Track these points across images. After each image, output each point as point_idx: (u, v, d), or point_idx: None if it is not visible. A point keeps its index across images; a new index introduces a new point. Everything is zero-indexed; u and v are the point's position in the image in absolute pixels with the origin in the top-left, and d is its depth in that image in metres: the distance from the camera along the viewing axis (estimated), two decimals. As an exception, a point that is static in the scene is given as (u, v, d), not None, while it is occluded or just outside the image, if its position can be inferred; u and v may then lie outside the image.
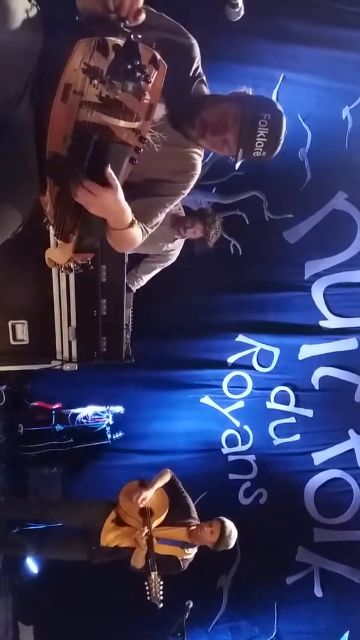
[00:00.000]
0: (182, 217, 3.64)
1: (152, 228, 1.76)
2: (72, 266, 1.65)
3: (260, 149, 1.63)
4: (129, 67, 1.21)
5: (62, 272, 1.87)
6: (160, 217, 1.79)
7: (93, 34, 1.28)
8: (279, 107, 1.68)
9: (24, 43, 1.32)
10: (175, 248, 3.68)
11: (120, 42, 1.25)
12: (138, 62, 1.22)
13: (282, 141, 1.67)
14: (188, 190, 1.84)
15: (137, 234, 1.64)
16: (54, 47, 1.34)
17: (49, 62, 1.35)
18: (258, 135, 1.61)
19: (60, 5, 1.44)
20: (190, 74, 1.71)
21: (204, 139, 1.71)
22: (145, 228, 1.71)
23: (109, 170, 1.32)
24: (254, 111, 1.62)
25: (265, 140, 1.62)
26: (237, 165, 1.70)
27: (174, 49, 1.59)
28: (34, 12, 1.34)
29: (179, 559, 3.24)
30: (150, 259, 3.65)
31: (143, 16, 1.31)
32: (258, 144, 1.62)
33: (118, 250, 1.94)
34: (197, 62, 1.71)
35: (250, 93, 1.74)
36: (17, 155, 1.45)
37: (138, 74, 1.23)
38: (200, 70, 1.74)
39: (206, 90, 1.76)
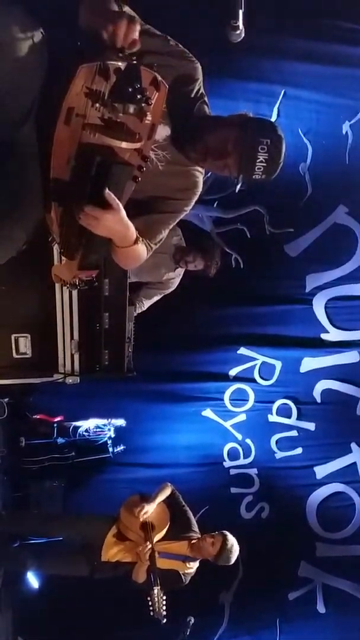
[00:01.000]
0: (183, 249, 3.72)
1: (156, 244, 1.79)
2: (77, 283, 1.67)
3: (260, 173, 1.69)
4: (129, 89, 1.24)
5: (67, 288, 1.89)
6: (164, 234, 1.82)
7: (94, 59, 1.31)
8: (279, 131, 1.73)
9: (29, 67, 1.35)
10: (176, 277, 3.77)
11: (122, 65, 1.28)
12: (139, 85, 1.25)
13: (281, 164, 1.72)
14: (190, 207, 1.88)
15: (142, 251, 1.67)
16: (57, 71, 1.37)
17: (53, 86, 1.38)
18: (258, 160, 1.65)
19: (63, 30, 1.47)
20: (192, 96, 1.74)
21: (205, 162, 1.76)
22: (149, 244, 1.74)
23: (108, 192, 1.35)
24: (254, 137, 1.66)
25: (264, 164, 1.67)
26: (238, 188, 1.74)
27: (176, 71, 1.63)
28: (38, 37, 1.37)
29: (181, 573, 3.22)
30: (151, 286, 3.72)
31: (138, 45, 1.33)
32: (258, 168, 1.67)
33: (123, 267, 1.97)
34: (200, 83, 1.75)
35: (251, 115, 1.78)
36: (22, 176, 1.48)
37: (139, 96, 1.26)
38: (202, 91, 1.77)
39: (208, 110, 1.80)
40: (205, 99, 1.80)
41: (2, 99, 1.36)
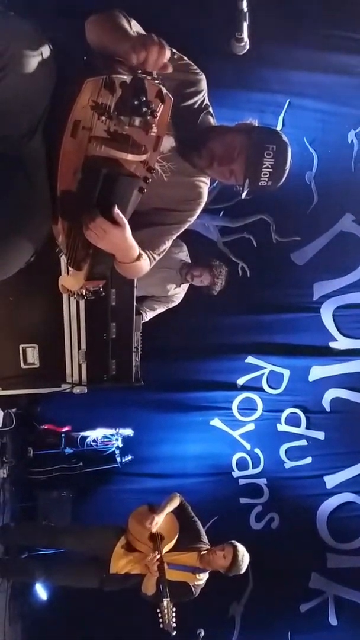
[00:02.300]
0: (191, 264, 3.75)
1: (159, 255, 1.80)
2: (84, 293, 1.68)
3: (266, 179, 1.68)
4: (135, 102, 1.25)
5: (74, 299, 1.90)
6: (167, 245, 1.83)
7: (101, 73, 1.32)
8: (285, 138, 1.73)
9: (38, 82, 1.36)
10: (181, 291, 3.80)
11: (127, 78, 1.29)
12: (144, 98, 1.26)
13: (287, 171, 1.72)
14: (194, 218, 1.89)
15: (145, 265, 1.68)
16: (65, 86, 1.38)
17: (60, 100, 1.39)
18: (264, 166, 1.65)
19: (71, 45, 1.49)
20: (197, 106, 1.75)
21: (211, 169, 1.76)
22: (152, 255, 1.75)
23: (117, 210, 1.36)
24: (260, 142, 1.67)
25: (271, 170, 1.67)
26: (244, 194, 1.74)
27: (181, 83, 1.64)
28: (47, 51, 1.38)
29: (191, 584, 3.19)
30: (156, 299, 3.74)
31: (170, 69, 1.35)
32: (264, 174, 1.67)
33: (127, 277, 1.96)
34: (204, 94, 1.76)
35: (256, 124, 1.79)
36: (30, 188, 1.49)
37: (144, 109, 1.27)
38: (207, 102, 1.78)
39: (213, 121, 1.81)
40: (211, 109, 1.81)
41: (10, 113, 1.37)
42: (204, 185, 1.87)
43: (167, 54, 1.31)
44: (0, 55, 1.28)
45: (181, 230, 1.89)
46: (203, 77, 1.74)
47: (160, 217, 1.80)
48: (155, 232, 1.79)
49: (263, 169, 1.66)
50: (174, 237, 1.86)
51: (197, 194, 1.86)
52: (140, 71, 1.30)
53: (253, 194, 1.76)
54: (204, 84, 1.75)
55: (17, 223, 1.50)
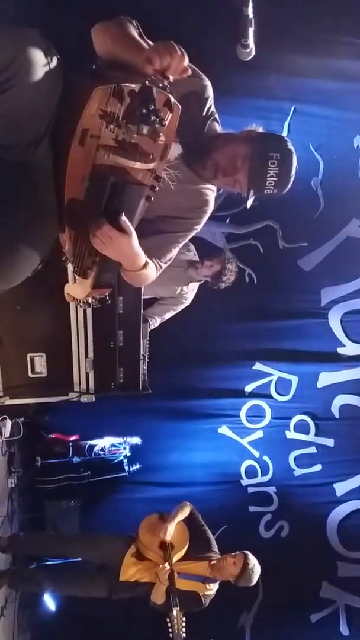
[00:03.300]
0: (197, 259, 3.72)
1: (165, 263, 1.79)
2: (90, 301, 1.67)
3: (272, 187, 1.67)
4: (144, 111, 1.25)
5: (80, 307, 1.89)
6: (174, 252, 1.82)
7: (110, 81, 1.32)
8: (290, 145, 1.71)
9: (45, 91, 1.36)
10: (189, 292, 3.75)
11: (136, 87, 1.29)
12: (153, 107, 1.26)
13: (292, 178, 1.70)
14: (201, 226, 1.88)
15: (151, 273, 1.67)
16: (72, 94, 1.38)
17: (68, 108, 1.39)
18: (268, 175, 1.64)
19: (78, 54, 1.49)
20: (204, 113, 1.75)
21: (215, 180, 1.76)
22: (159, 263, 1.74)
23: (123, 217, 1.36)
24: (263, 151, 1.65)
25: (275, 179, 1.65)
26: (249, 203, 1.73)
27: (188, 91, 1.64)
28: (55, 60, 1.39)
29: (201, 594, 3.16)
30: (164, 302, 3.72)
31: (189, 73, 1.37)
32: (269, 183, 1.65)
33: (133, 285, 1.94)
34: (210, 101, 1.76)
35: (261, 130, 1.77)
36: (37, 197, 1.49)
37: (153, 118, 1.26)
38: (212, 109, 1.78)
39: (219, 128, 1.80)
40: (216, 116, 1.81)
41: (17, 122, 1.37)
42: (211, 193, 1.86)
43: (186, 58, 1.34)
44: (7, 65, 1.28)
45: (188, 238, 1.89)
46: (209, 83, 1.74)
47: (166, 225, 1.79)
48: (162, 240, 1.78)
49: (268, 178, 1.64)
50: (181, 245, 1.85)
51: (203, 202, 1.85)
52: (149, 80, 1.30)
53: (259, 201, 1.75)
54: (210, 91, 1.75)
55: (24, 232, 1.50)
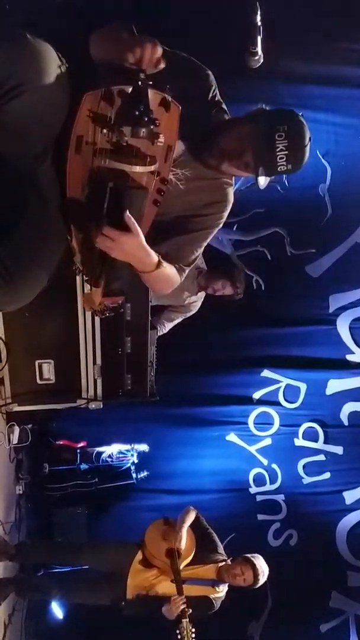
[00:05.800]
0: (209, 277, 3.68)
1: (188, 266, 1.72)
2: (103, 309, 1.67)
3: (284, 163, 1.54)
4: (135, 113, 1.23)
5: (97, 315, 1.88)
6: (197, 253, 1.75)
7: (100, 85, 1.31)
8: (299, 117, 1.60)
9: (52, 101, 1.36)
10: (198, 300, 3.76)
11: (127, 88, 1.27)
12: (144, 107, 1.23)
13: (307, 150, 1.58)
14: (223, 220, 1.78)
15: (170, 273, 1.62)
16: (78, 104, 1.38)
17: (69, 118, 1.39)
18: (277, 149, 1.52)
19: (86, 63, 1.49)
20: (208, 101, 1.70)
21: (224, 165, 1.66)
22: (182, 267, 1.68)
23: (128, 214, 1.33)
24: (268, 126, 1.54)
25: (286, 152, 1.53)
26: (261, 183, 1.60)
27: (189, 84, 1.60)
28: (62, 70, 1.38)
29: (212, 598, 3.16)
30: (173, 309, 3.73)
31: (162, 64, 1.34)
32: (280, 158, 1.53)
33: (158, 293, 1.90)
34: (214, 90, 1.70)
35: (268, 108, 1.68)
36: (44, 214, 1.49)
37: (145, 119, 1.24)
38: (218, 98, 1.71)
39: (227, 117, 1.75)
40: (223, 106, 1.73)
41: (25, 132, 1.38)
42: (228, 186, 1.76)
43: (159, 50, 1.31)
44: (12, 74, 1.27)
45: (210, 237, 1.78)
46: (210, 73, 1.68)
47: (185, 226, 1.70)
48: (182, 242, 1.69)
49: (277, 153, 1.52)
50: (203, 245, 1.76)
51: (221, 195, 1.75)
52: (141, 80, 1.27)
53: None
54: (212, 79, 1.69)
55: (32, 252, 1.51)
